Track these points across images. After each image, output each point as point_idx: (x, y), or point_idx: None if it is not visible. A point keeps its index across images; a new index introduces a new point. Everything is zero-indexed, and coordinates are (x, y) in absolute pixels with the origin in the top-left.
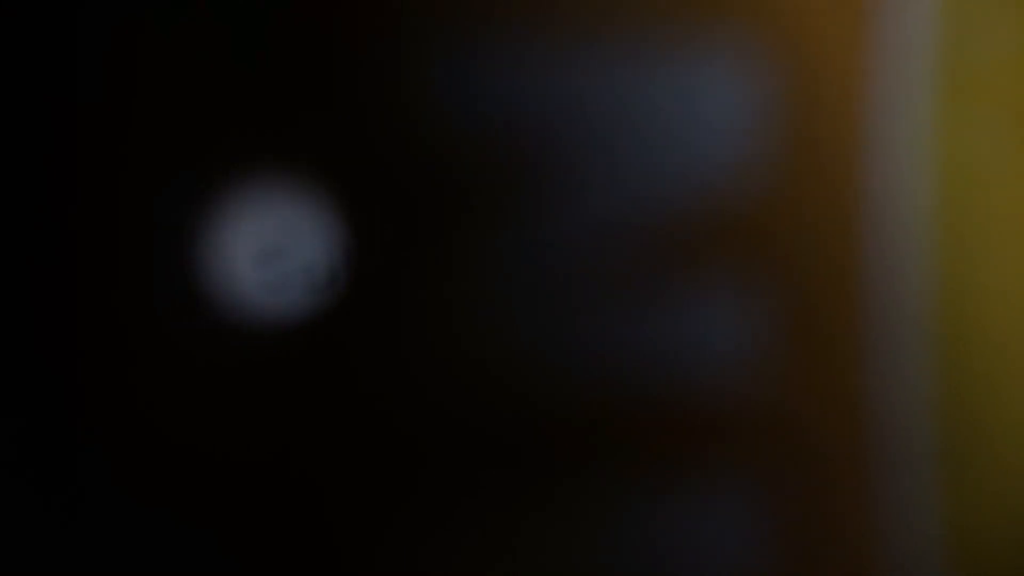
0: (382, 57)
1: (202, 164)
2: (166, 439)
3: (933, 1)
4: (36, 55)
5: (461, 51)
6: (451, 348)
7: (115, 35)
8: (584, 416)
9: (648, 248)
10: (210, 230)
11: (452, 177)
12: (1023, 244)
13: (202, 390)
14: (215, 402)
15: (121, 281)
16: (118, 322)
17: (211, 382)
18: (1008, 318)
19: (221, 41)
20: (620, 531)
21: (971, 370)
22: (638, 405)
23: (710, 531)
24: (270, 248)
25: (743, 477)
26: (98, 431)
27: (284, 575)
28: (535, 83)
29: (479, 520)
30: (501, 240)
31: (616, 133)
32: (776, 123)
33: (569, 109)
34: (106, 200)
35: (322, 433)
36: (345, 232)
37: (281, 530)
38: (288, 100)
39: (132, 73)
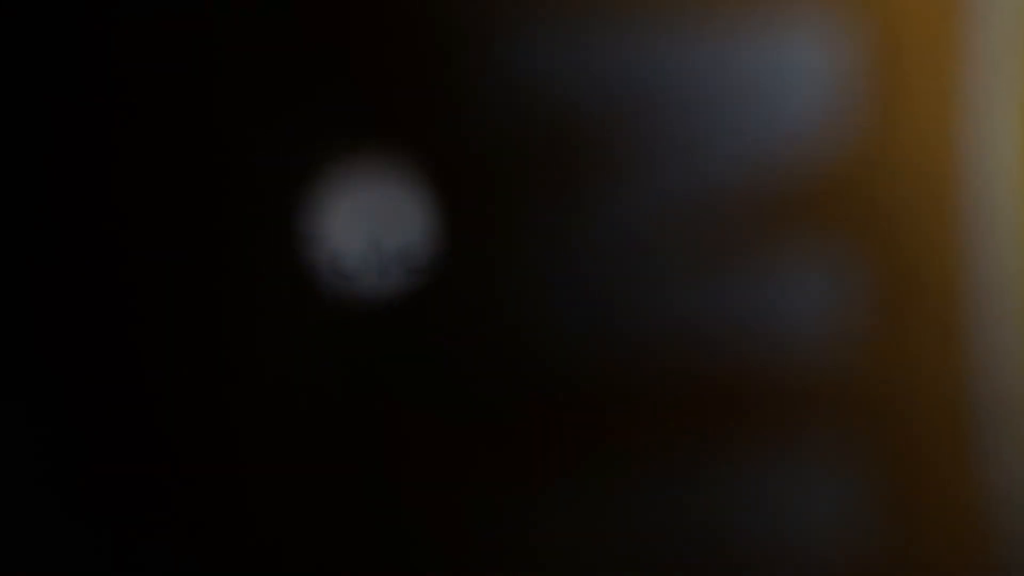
0: (471, 42)
1: (305, 151)
2: (270, 418)
3: None
4: (142, 41)
5: (545, 29)
6: (539, 324)
7: (222, 23)
8: (672, 390)
9: (737, 219)
10: (313, 215)
11: (539, 154)
12: None
13: (307, 370)
14: (318, 381)
15: (230, 264)
16: (226, 304)
17: (315, 361)
18: None
19: (320, 31)
20: (710, 505)
21: None
22: (727, 378)
23: (802, 505)
24: (368, 231)
25: (837, 450)
26: (207, 412)
27: (370, 550)
28: (619, 56)
29: (569, 496)
30: (590, 215)
31: (703, 104)
32: (865, 91)
33: (655, 81)
34: (215, 187)
35: (417, 411)
36: (437, 213)
37: (375, 508)
38: (380, 87)
39: (237, 62)
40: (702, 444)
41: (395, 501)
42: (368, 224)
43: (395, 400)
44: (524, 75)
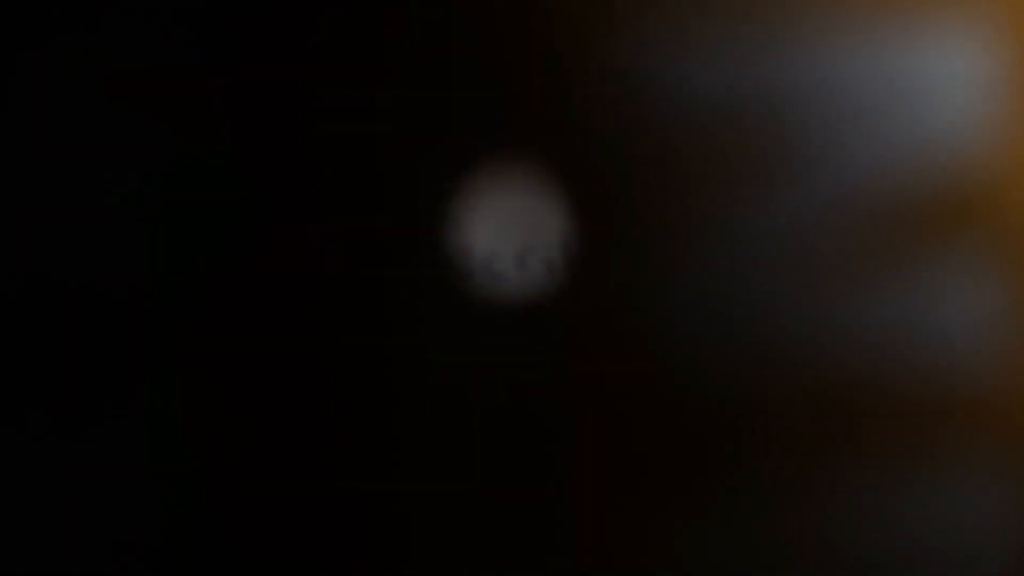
0: (622, 52)
1: (454, 160)
2: (427, 411)
3: None
4: (296, 59)
5: (695, 39)
6: (685, 330)
7: (381, 40)
8: (820, 399)
9: (886, 227)
10: (460, 220)
11: (690, 162)
12: None
13: (460, 370)
14: (471, 382)
15: (385, 266)
16: (384, 304)
17: (468, 358)
18: None
19: (469, 45)
20: (866, 514)
21: None
22: (876, 387)
23: (955, 514)
24: (518, 235)
25: (986, 461)
26: (365, 414)
27: (528, 544)
28: (769, 66)
29: (716, 501)
30: (740, 222)
31: (851, 112)
32: (1009, 100)
33: (804, 90)
34: (373, 194)
35: (563, 407)
36: (584, 218)
37: (523, 501)
38: (526, 97)
39: (390, 77)
40: (856, 453)
41: (546, 505)
42: (518, 228)
43: (542, 403)
44: (676, 84)
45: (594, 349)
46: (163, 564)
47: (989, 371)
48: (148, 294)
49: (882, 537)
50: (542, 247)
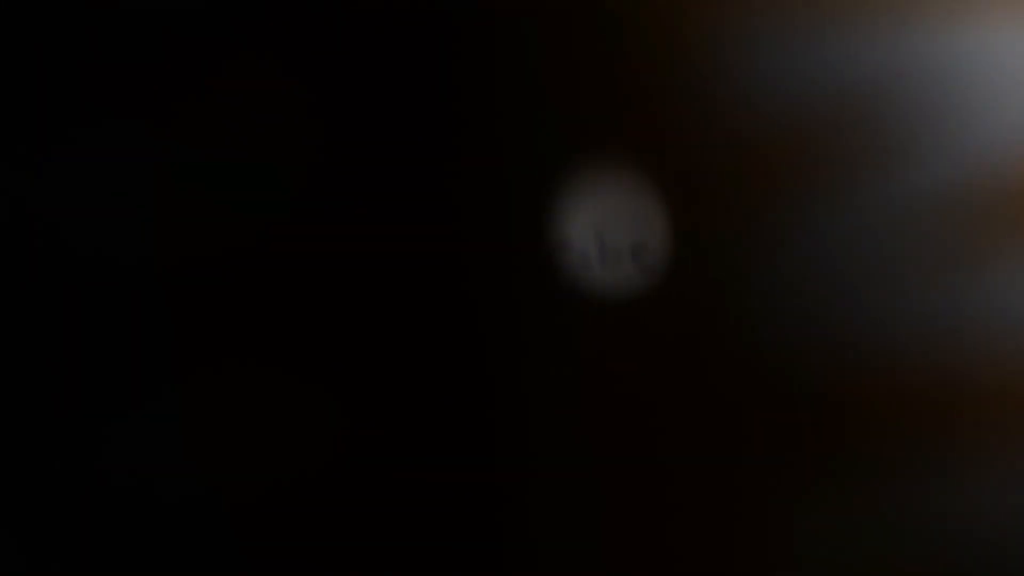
0: (719, 40)
1: (554, 158)
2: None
3: None
4: (405, 53)
5: (782, 32)
6: (778, 322)
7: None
8: (911, 390)
9: (978, 218)
10: (560, 216)
11: (778, 155)
12: None
13: (559, 362)
14: (568, 372)
15: (482, 263)
16: (485, 299)
17: (567, 352)
18: None
19: (572, 46)
20: (953, 503)
21: None
22: (965, 377)
23: (1007, 504)
24: (606, 232)
25: None
26: (464, 407)
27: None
28: (852, 59)
29: (812, 491)
30: (833, 215)
31: (937, 106)
32: None
33: (889, 82)
34: (476, 191)
35: (661, 402)
36: (673, 213)
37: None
38: (614, 95)
39: (492, 79)
40: (938, 445)
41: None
42: (613, 222)
43: (640, 397)
44: (771, 77)
45: (692, 343)
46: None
47: None
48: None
49: (965, 526)
50: (646, 242)
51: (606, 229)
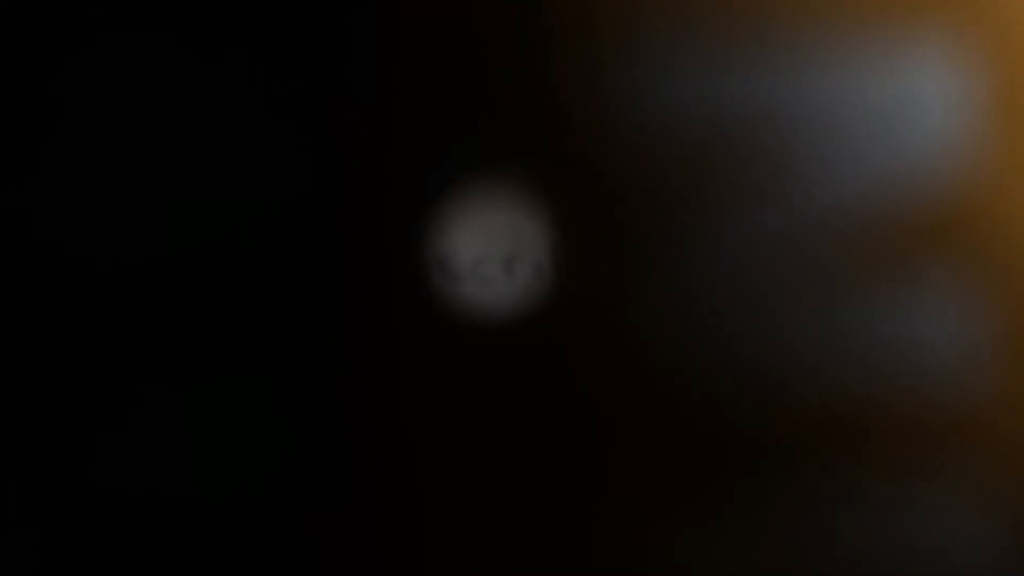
0: (589, 62)
1: (429, 170)
2: (397, 420)
3: None
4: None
5: (668, 55)
6: (653, 345)
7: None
8: (789, 418)
9: (864, 247)
10: (436, 231)
11: (676, 175)
12: None
13: (429, 378)
14: (439, 389)
15: (360, 277)
16: (356, 313)
17: (437, 369)
18: None
19: (457, 58)
20: (835, 532)
21: None
22: (847, 405)
23: (930, 531)
24: (491, 247)
25: (959, 478)
26: (346, 415)
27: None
28: (744, 84)
29: (684, 520)
30: (709, 240)
31: (827, 133)
32: (989, 123)
33: (780, 110)
34: (357, 200)
35: (532, 420)
36: (558, 232)
37: (479, 513)
38: (502, 110)
39: (375, 80)
40: (825, 473)
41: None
42: (504, 237)
43: (526, 412)
44: (663, 99)
45: (579, 360)
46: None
47: (969, 387)
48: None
49: (860, 551)
50: (528, 256)
51: (494, 241)
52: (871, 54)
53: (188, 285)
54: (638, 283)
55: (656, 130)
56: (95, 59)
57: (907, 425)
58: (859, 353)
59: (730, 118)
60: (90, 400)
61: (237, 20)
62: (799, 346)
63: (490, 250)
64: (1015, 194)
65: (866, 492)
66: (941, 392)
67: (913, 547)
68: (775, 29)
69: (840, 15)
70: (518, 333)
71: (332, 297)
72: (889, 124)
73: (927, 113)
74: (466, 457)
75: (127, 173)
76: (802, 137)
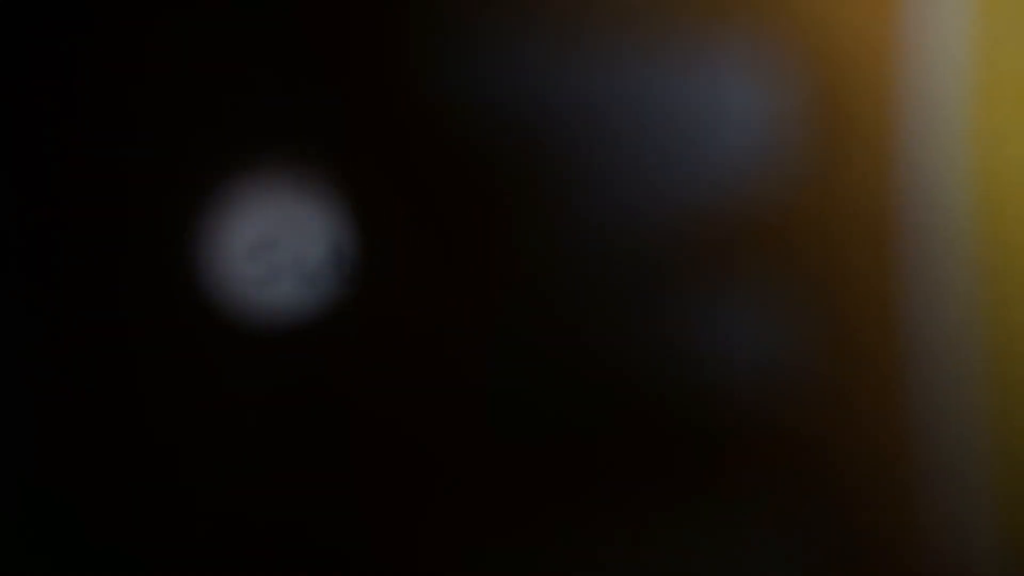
0: (393, 49)
1: (198, 157)
2: (160, 435)
3: (965, 2)
4: (32, 54)
5: (474, 47)
6: (455, 349)
7: (110, 31)
8: (597, 423)
9: (667, 253)
10: (206, 223)
11: (466, 173)
12: None
13: (197, 385)
14: (210, 398)
15: (117, 275)
16: (114, 316)
17: (205, 377)
18: None
19: (218, 33)
20: (633, 541)
21: (1016, 378)
22: (653, 414)
23: (729, 545)
24: (270, 242)
25: (766, 491)
26: (93, 426)
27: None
28: (553, 82)
29: (486, 529)
30: (515, 239)
31: (638, 135)
32: (803, 126)
33: (589, 109)
34: (102, 195)
35: (313, 431)
36: (354, 228)
37: (271, 532)
38: (289, 91)
39: (127, 67)
40: (624, 482)
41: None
42: (301, 235)
43: (313, 420)
44: (467, 89)
45: (380, 362)
46: None
47: (778, 400)
48: None
49: (657, 566)
50: (322, 255)
51: (280, 241)
52: (691, 53)
53: None
54: (449, 280)
55: (471, 123)
56: None
57: (718, 428)
58: (671, 357)
59: (547, 114)
60: None
61: None
62: (613, 347)
63: (280, 250)
64: (835, 198)
65: (678, 496)
66: (753, 398)
67: (726, 550)
68: (599, 23)
69: (662, 12)
70: (314, 334)
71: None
72: (700, 127)
73: (748, 114)
74: (242, 467)
75: None
76: (619, 135)
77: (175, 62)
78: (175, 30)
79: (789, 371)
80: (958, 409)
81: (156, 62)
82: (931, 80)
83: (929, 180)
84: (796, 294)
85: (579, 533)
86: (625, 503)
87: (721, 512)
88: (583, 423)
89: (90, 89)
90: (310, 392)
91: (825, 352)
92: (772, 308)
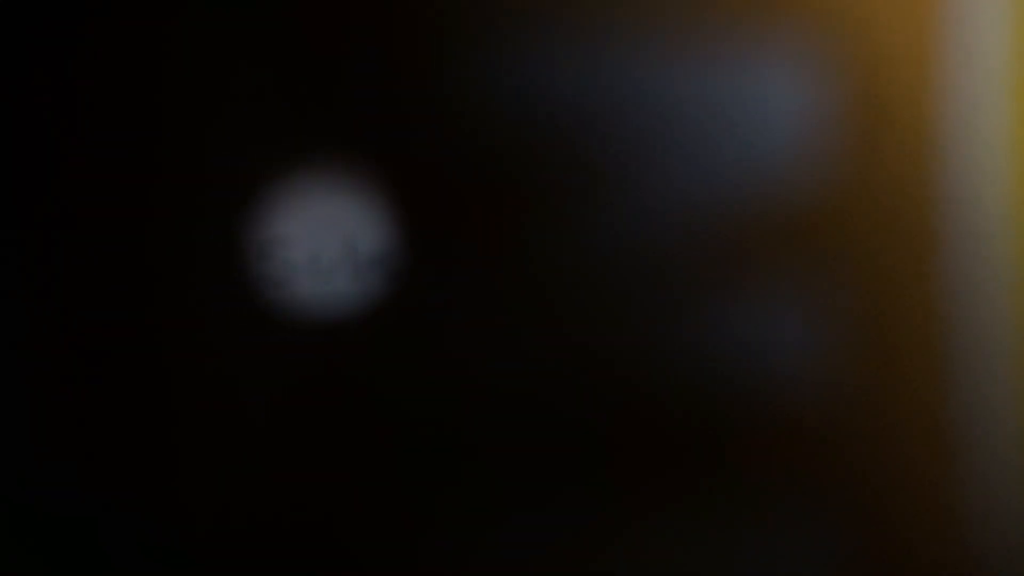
0: (435, 50)
1: (232, 159)
2: (169, 435)
3: (1004, 3)
4: (64, 54)
5: (509, 48)
6: (479, 348)
7: (134, 28)
8: (632, 420)
9: (709, 250)
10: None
11: (499, 173)
12: None
13: (208, 384)
14: (220, 396)
15: (151, 276)
16: (145, 316)
17: (244, 370)
18: None
19: (244, 33)
20: (666, 538)
21: None
22: (693, 410)
23: (767, 541)
24: (310, 242)
25: (806, 485)
26: (123, 424)
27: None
28: (594, 80)
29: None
30: (551, 237)
31: (678, 133)
32: (843, 124)
33: (632, 108)
34: (133, 197)
35: (325, 429)
36: (388, 227)
37: (291, 533)
38: (319, 95)
39: (153, 67)
40: (665, 478)
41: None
42: (340, 232)
43: (354, 412)
44: (508, 89)
45: (416, 358)
46: None
47: (815, 392)
48: None
49: (701, 554)
50: (367, 252)
51: (321, 238)
52: (726, 52)
53: None
54: (480, 280)
55: (503, 123)
56: None
57: (752, 428)
58: (706, 354)
59: (580, 113)
60: None
61: None
62: (645, 345)
63: (326, 244)
64: (873, 199)
65: (710, 494)
66: (786, 396)
67: (753, 550)
68: (629, 22)
69: (697, 11)
70: (354, 331)
71: (141, 297)
72: (742, 125)
73: (782, 113)
74: (299, 464)
75: None
76: (654, 134)
77: (190, 63)
78: (191, 31)
79: (827, 371)
80: (994, 409)
81: (172, 62)
82: (970, 81)
83: (967, 180)
84: (834, 294)
85: (614, 532)
86: (656, 502)
87: (760, 511)
88: (609, 423)
89: (103, 89)
90: (323, 390)
91: (862, 352)
92: (809, 308)
